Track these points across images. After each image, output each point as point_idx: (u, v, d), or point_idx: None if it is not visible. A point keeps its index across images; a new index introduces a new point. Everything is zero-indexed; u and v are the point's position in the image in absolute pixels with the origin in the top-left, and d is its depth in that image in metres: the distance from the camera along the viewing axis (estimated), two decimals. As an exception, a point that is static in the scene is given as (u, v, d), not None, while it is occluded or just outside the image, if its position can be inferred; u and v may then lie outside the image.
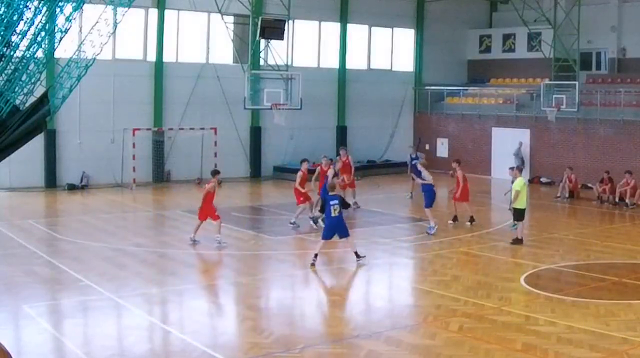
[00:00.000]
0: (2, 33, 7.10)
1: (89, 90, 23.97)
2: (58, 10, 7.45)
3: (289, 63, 30.74)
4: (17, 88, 7.45)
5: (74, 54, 8.06)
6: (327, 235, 15.79)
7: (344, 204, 16.13)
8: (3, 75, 7.38)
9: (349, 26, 34.96)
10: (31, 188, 27.21)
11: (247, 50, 29.80)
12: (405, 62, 37.41)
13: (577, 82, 30.43)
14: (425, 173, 19.96)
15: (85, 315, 12.51)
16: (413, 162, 26.81)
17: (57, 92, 7.99)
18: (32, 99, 7.73)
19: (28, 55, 7.41)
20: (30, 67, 7.50)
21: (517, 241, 18.00)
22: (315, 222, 20.04)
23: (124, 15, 8.38)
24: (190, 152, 30.30)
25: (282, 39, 29.24)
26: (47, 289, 14.04)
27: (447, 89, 36.78)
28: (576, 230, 20.54)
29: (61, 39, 7.64)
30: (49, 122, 8.98)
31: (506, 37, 37.70)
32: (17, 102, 7.56)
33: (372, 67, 36.45)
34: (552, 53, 31.92)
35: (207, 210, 17.84)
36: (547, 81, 31.71)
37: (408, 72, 37.43)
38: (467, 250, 17.50)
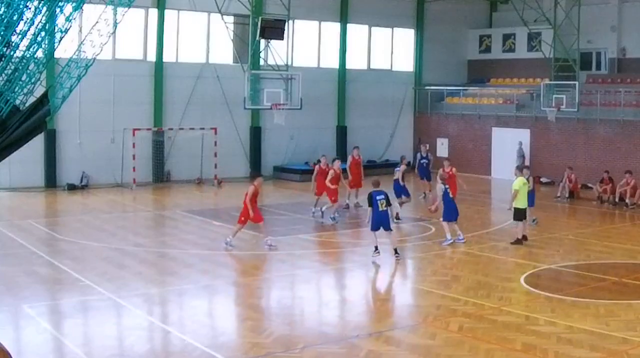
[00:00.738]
0: (2, 33, 7.10)
1: (89, 90, 23.95)
2: (58, 10, 7.45)
3: (289, 63, 30.73)
4: (17, 88, 7.45)
5: (74, 54, 8.06)
6: (375, 228, 16.10)
7: (388, 200, 16.34)
8: (3, 75, 7.38)
9: (349, 26, 34.96)
10: (31, 189, 27.21)
11: (247, 50, 29.80)
12: (405, 62, 37.41)
13: (577, 82, 30.42)
14: (439, 186, 18.81)
15: (85, 315, 12.51)
16: (422, 161, 26.77)
17: (57, 92, 7.99)
18: (32, 99, 7.73)
19: (28, 55, 7.41)
20: (30, 67, 7.50)
21: (518, 241, 17.98)
22: (334, 219, 20.77)
23: (124, 15, 8.39)
24: (190, 152, 30.30)
25: (282, 39, 29.23)
26: (47, 289, 14.04)
27: (447, 89, 36.77)
28: (576, 230, 20.54)
29: (61, 39, 7.64)
30: (49, 122, 8.98)
31: (506, 37, 37.70)
32: (17, 102, 7.56)
33: (372, 67, 36.46)
34: (552, 53, 31.91)
35: (251, 212, 17.35)
36: (547, 81, 31.69)
37: (408, 72, 37.43)
38: (467, 250, 17.49)
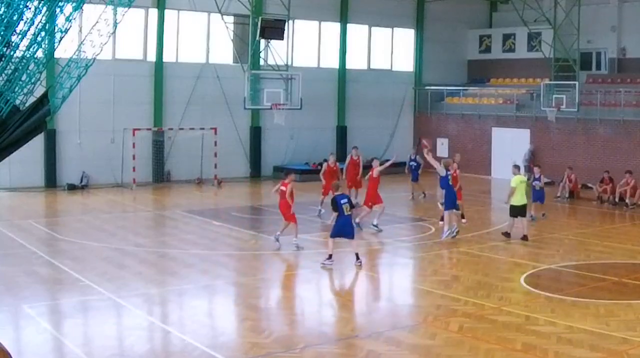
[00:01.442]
0: (2, 33, 7.10)
1: (89, 90, 23.95)
2: (58, 10, 7.45)
3: (289, 63, 30.73)
4: (17, 88, 7.45)
5: (74, 54, 8.06)
6: (335, 234, 15.74)
7: (351, 204, 16.15)
8: (3, 75, 7.38)
9: (349, 26, 34.97)
10: (31, 188, 27.22)
11: (247, 50, 29.81)
12: (405, 62, 37.40)
13: (577, 82, 30.43)
14: (440, 169, 18.89)
15: (85, 315, 12.51)
16: (410, 164, 26.81)
17: (57, 92, 7.99)
18: (32, 99, 7.73)
19: (28, 55, 7.41)
20: (30, 67, 7.50)
21: (507, 235, 18.02)
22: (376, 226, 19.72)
23: (124, 15, 8.38)
24: (190, 152, 30.30)
25: (282, 39, 29.24)
26: (47, 289, 14.04)
27: (447, 89, 36.77)
28: (576, 230, 20.55)
29: (61, 39, 7.64)
30: (49, 122, 8.98)
31: (506, 37, 37.69)
32: (17, 102, 7.56)
33: (372, 67, 36.45)
34: (552, 53, 31.91)
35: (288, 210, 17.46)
36: (547, 81, 31.69)
37: (408, 72, 37.42)
38: (467, 250, 17.49)
